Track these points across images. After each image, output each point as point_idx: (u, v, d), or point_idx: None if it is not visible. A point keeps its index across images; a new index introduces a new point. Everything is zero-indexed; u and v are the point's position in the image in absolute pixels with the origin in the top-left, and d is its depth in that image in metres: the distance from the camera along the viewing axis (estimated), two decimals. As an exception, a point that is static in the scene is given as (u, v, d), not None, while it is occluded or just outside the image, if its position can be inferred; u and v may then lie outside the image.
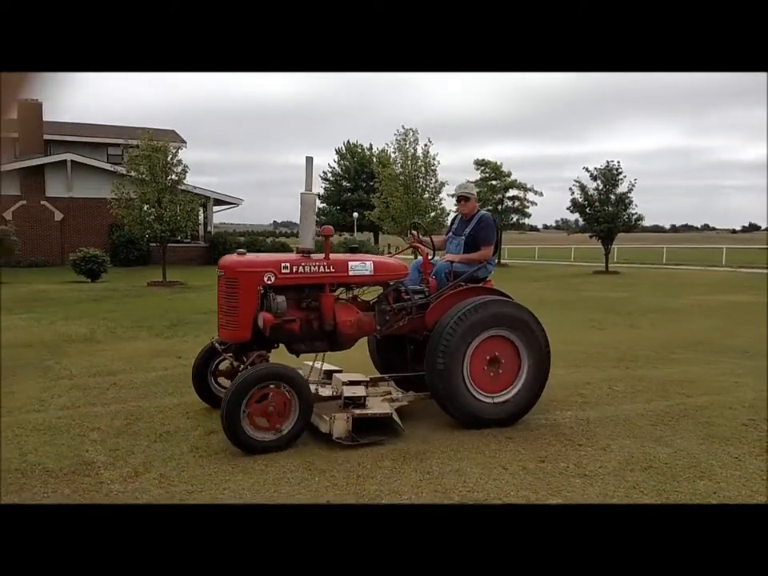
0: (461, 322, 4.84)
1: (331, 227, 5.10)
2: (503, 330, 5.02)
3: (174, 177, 18.65)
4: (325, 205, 56.67)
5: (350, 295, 5.26)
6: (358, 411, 4.74)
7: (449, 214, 23.35)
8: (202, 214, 26.87)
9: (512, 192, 29.85)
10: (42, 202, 26.94)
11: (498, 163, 29.63)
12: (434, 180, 22.33)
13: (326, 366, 5.81)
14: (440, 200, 22.86)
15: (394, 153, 22.70)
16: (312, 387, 5.08)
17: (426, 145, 22.20)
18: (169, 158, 18.40)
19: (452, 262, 5.51)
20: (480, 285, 5.51)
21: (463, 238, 5.69)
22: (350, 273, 5.01)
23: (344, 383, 5.26)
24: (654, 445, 4.65)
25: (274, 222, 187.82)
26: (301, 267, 4.81)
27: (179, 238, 19.71)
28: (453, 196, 6.24)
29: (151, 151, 17.77)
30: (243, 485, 3.83)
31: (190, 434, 4.79)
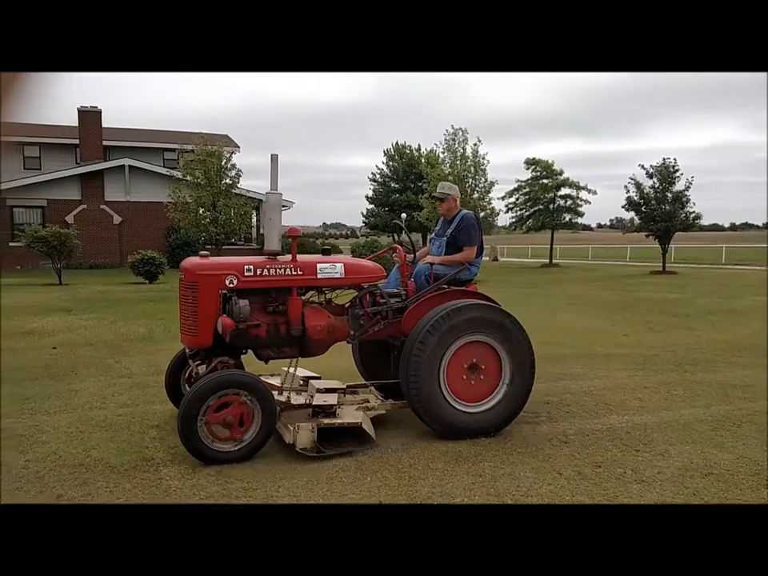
0: (435, 327, 4.59)
1: (298, 228, 4.81)
2: (481, 335, 4.74)
3: (228, 181, 19.09)
4: (373, 206, 56.87)
5: (322, 299, 5.06)
6: (326, 420, 4.56)
7: (498, 213, 23.16)
8: (255, 217, 27.38)
9: (564, 191, 29.33)
10: (102, 206, 27.97)
11: (550, 161, 29.18)
12: (483, 180, 22.15)
13: (305, 373, 5.69)
14: (489, 200, 22.67)
15: (443, 153, 22.63)
16: (285, 395, 5.00)
17: (475, 144, 22.05)
18: (223, 163, 18.82)
19: (431, 264, 5.25)
20: (461, 288, 5.23)
21: (445, 239, 5.43)
22: (319, 275, 4.78)
23: (317, 390, 5.08)
24: (715, 451, 4.49)
25: (324, 223, 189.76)
26: (265, 270, 4.61)
27: (233, 240, 20.11)
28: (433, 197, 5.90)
29: (206, 156, 18.24)
30: (297, 483, 3.89)
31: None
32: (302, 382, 5.48)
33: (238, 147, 33.01)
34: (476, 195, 22.28)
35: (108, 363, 7.51)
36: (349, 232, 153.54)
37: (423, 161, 48.18)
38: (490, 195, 22.62)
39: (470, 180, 22.06)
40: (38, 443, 4.64)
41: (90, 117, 29.53)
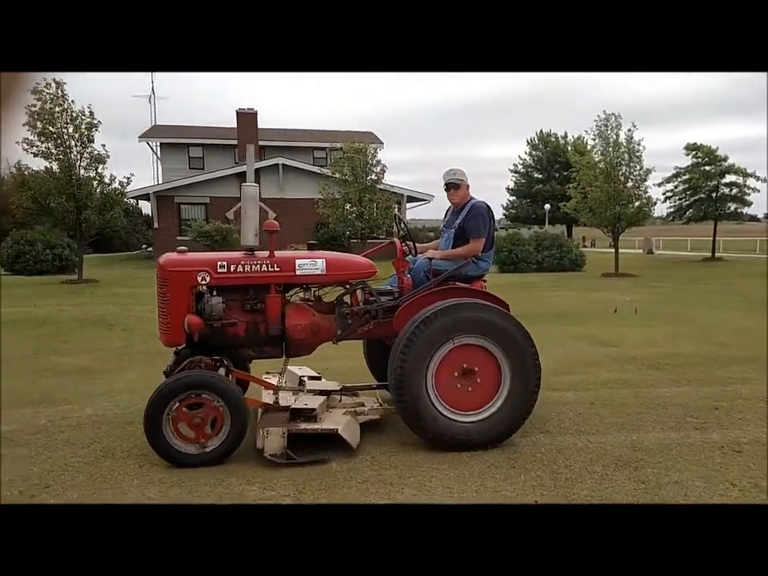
0: (421, 328, 4.23)
1: (275, 222, 4.50)
2: (475, 337, 4.31)
3: (373, 176, 19.61)
4: (514, 198, 55.71)
5: (308, 296, 4.83)
6: (298, 426, 4.29)
7: (655, 203, 21.66)
8: (397, 211, 27.88)
9: (729, 178, 26.80)
10: (259, 203, 29.86)
11: (713, 147, 26.79)
12: (638, 167, 20.81)
13: (307, 372, 5.47)
14: (645, 188, 21.27)
15: (594, 140, 21.55)
16: (274, 396, 4.78)
17: (629, 130, 20.78)
18: (369, 159, 19.37)
19: (431, 259, 4.83)
20: (462, 285, 4.75)
21: (453, 230, 5.00)
22: (298, 272, 4.51)
23: (308, 392, 4.88)
24: None
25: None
26: (240, 266, 4.42)
27: (376, 234, 20.68)
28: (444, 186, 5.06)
29: (353, 153, 18.85)
30: (449, 475, 3.92)
31: (399, 423, 4.97)
32: (304, 381, 5.26)
33: (382, 143, 33.80)
34: (630, 184, 21.01)
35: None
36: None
37: (570, 149, 46.43)
38: (646, 183, 21.22)
39: (624, 168, 20.83)
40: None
41: (246, 118, 31.66)
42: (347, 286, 4.83)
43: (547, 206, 44.91)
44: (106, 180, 18.79)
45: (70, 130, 17.96)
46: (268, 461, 4.08)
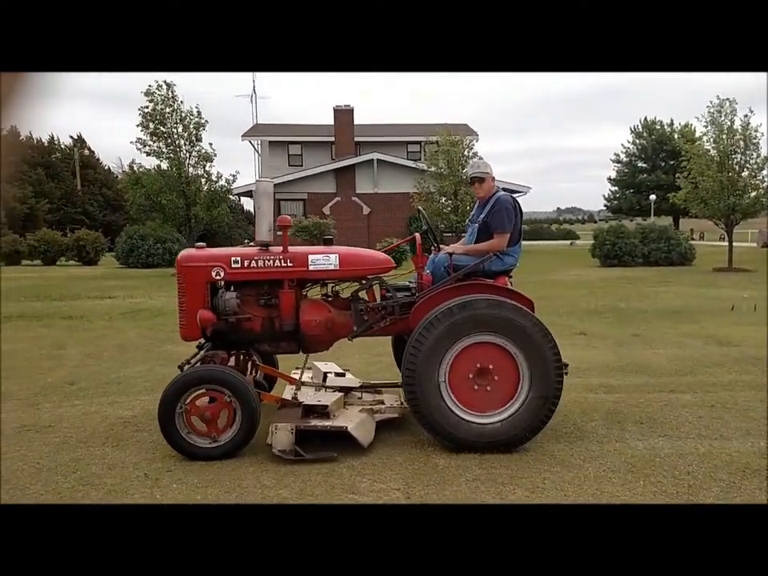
0: (434, 325, 4.10)
1: (288, 217, 4.52)
2: (491, 335, 4.15)
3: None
4: (616, 188, 53.41)
5: (325, 292, 4.77)
6: (307, 423, 4.22)
7: (775, 193, 20.07)
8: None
9: None
10: (353, 198, 30.38)
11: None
12: (755, 155, 19.34)
13: (332, 368, 5.38)
14: (762, 178, 19.74)
15: (705, 127, 20.22)
16: (294, 391, 4.72)
17: (746, 116, 19.34)
18: (465, 152, 19.18)
19: (451, 254, 4.62)
20: (482, 281, 4.54)
21: (477, 225, 4.79)
22: (311, 267, 4.48)
23: (325, 389, 4.81)
24: None
25: (558, 208, 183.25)
26: (254, 261, 4.43)
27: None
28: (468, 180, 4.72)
29: (449, 146, 18.72)
30: (563, 477, 3.79)
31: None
32: (330, 377, 5.21)
33: (477, 135, 33.35)
34: (746, 173, 19.57)
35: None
36: (586, 216, 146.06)
37: (677, 136, 43.91)
38: (764, 173, 19.68)
39: (739, 156, 19.43)
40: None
41: (343, 115, 32.20)
42: (364, 282, 4.78)
43: (653, 197, 42.75)
44: (213, 177, 19.69)
45: (180, 129, 18.96)
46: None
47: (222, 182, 19.90)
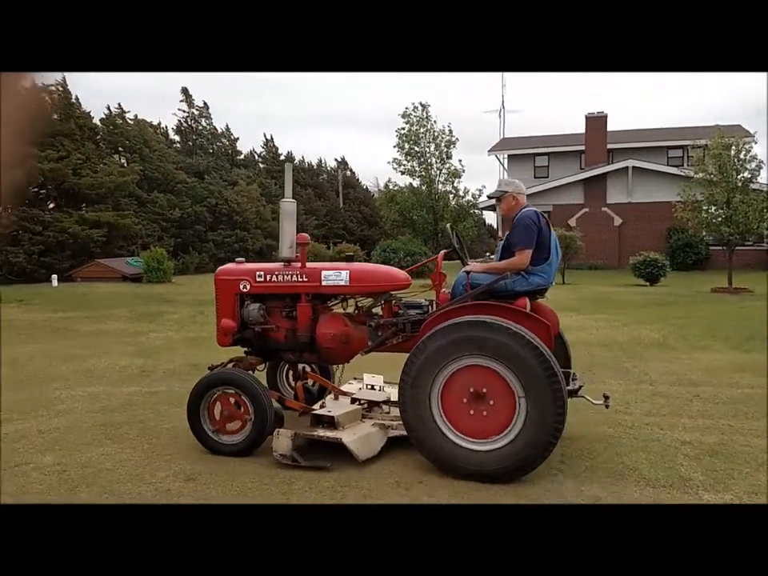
0: (424, 346, 4.07)
1: (307, 235, 4.82)
2: (481, 359, 3.99)
3: (746, 175, 17.05)
4: None
5: (346, 306, 5.07)
6: (318, 432, 4.47)
7: None
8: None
9: None
10: (603, 209, 28.77)
11: None
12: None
13: (377, 381, 5.38)
14: None
15: None
16: (330, 401, 5.00)
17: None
18: (741, 155, 16.92)
19: (468, 273, 4.48)
20: (493, 302, 4.26)
21: (503, 242, 4.64)
22: (324, 282, 4.70)
23: (343, 399, 5.01)
24: None
25: None
26: (274, 276, 4.80)
27: (751, 241, 17.90)
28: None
29: (722, 149, 16.68)
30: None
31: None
32: (374, 388, 5.33)
33: (753, 137, 29.26)
34: None
35: (625, 366, 7.51)
36: None
37: None
38: None
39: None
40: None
41: (596, 122, 30.77)
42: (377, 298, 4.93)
43: None
44: (461, 193, 20.21)
45: (432, 148, 19.82)
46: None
47: (469, 197, 20.30)
